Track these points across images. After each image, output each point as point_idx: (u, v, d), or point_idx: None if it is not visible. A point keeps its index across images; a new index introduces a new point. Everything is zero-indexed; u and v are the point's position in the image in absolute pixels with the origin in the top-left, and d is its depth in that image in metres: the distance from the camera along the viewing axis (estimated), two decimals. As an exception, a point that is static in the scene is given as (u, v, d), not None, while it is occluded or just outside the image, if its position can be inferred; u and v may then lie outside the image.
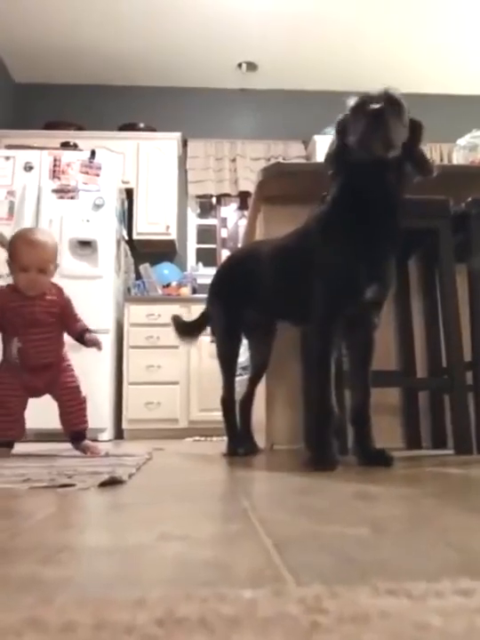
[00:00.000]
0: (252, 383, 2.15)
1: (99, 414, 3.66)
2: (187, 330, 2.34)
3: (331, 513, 0.73)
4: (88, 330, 2.13)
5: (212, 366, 4.20)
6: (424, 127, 1.55)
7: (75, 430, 2.03)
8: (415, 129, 1.50)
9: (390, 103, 1.38)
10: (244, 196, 5.12)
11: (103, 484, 1.03)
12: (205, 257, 5.19)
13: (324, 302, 1.46)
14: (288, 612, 0.34)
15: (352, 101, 1.45)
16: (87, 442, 2.03)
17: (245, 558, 0.50)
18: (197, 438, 3.67)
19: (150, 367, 4.14)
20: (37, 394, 2.05)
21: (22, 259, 1.96)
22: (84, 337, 2.10)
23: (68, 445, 2.06)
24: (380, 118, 1.33)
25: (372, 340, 1.56)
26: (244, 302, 1.92)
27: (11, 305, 1.98)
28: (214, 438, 3.53)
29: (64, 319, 2.07)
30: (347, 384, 1.63)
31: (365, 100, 1.40)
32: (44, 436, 2.95)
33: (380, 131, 1.33)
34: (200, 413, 4.15)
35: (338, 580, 0.42)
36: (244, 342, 2.24)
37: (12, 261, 1.99)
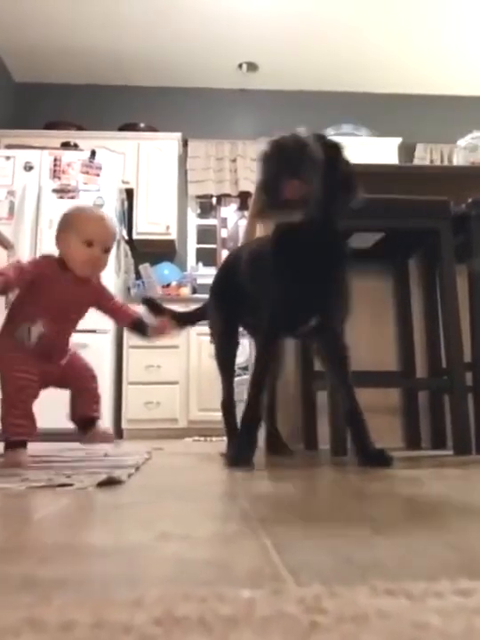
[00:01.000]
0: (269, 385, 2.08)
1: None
2: (179, 318, 2.19)
3: (330, 513, 0.73)
4: (141, 318, 1.85)
5: (212, 366, 4.19)
6: (341, 147, 1.48)
7: (91, 416, 1.76)
8: (330, 153, 1.43)
9: (295, 151, 1.35)
10: (244, 197, 5.12)
11: (101, 484, 1.03)
12: (205, 257, 5.19)
13: (265, 325, 1.50)
14: (287, 611, 0.34)
15: (266, 146, 1.40)
16: (97, 427, 1.75)
17: (244, 558, 0.50)
18: (197, 438, 3.67)
19: (150, 367, 4.14)
20: (52, 381, 1.74)
21: (88, 231, 1.66)
22: (141, 325, 1.82)
23: (66, 445, 2.00)
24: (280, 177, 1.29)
25: (339, 343, 1.57)
26: (237, 304, 1.90)
27: (51, 277, 1.65)
28: (214, 438, 3.53)
29: (104, 305, 1.82)
30: (332, 387, 1.69)
31: (277, 149, 1.38)
32: (43, 436, 2.95)
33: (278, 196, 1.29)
34: (199, 413, 4.15)
35: (337, 579, 0.42)
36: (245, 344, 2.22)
37: (70, 233, 1.66)
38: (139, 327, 1.82)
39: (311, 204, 1.29)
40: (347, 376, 1.56)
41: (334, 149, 1.43)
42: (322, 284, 1.46)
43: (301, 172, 1.30)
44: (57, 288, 1.65)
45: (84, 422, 1.75)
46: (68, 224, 1.68)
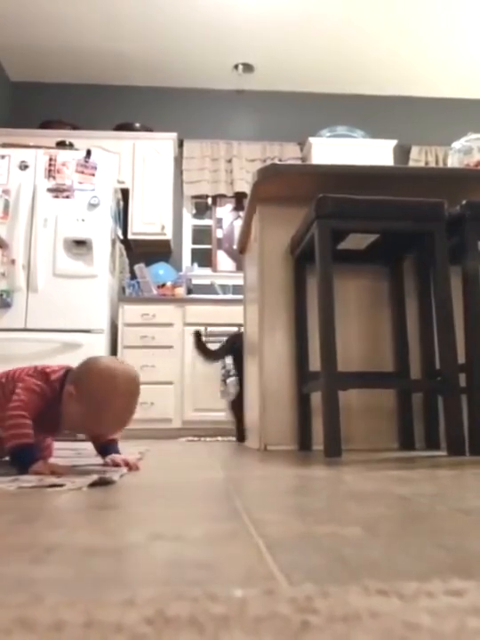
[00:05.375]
0: None
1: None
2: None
3: (323, 513, 0.73)
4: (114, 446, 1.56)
5: (207, 367, 4.20)
6: None
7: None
8: None
9: None
10: (239, 197, 5.12)
11: (93, 485, 1.03)
12: (201, 257, 5.19)
13: None
14: (279, 611, 0.34)
15: None
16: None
17: (237, 558, 0.50)
18: (191, 438, 3.67)
19: (144, 367, 4.14)
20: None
21: (101, 431, 1.42)
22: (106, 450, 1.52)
23: (58, 446, 1.88)
24: None
25: None
26: None
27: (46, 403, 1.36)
28: (208, 438, 3.53)
29: None
30: None
31: None
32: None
33: None
34: (194, 413, 4.15)
35: (329, 579, 0.42)
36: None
37: (96, 411, 1.33)
38: (105, 450, 1.52)
39: None
40: None
41: None
42: None
43: None
44: (51, 412, 1.38)
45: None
46: (90, 408, 1.33)
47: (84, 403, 1.33)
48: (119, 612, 0.34)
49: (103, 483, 1.06)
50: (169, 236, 4.78)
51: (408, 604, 0.35)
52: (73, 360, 2.30)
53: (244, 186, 4.97)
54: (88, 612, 0.34)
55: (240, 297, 3.81)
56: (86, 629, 0.31)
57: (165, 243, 4.86)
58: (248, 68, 5.08)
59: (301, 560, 0.49)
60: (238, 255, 4.15)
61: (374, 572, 0.44)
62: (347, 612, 0.34)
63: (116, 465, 1.39)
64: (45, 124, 4.84)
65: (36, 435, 1.35)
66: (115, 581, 0.43)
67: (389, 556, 0.50)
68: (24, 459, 1.25)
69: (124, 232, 4.66)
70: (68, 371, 1.41)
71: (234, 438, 3.21)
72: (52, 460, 1.42)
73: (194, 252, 5.26)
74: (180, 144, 5.15)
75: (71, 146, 4.40)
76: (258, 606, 0.35)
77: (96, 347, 3.76)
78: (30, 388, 1.33)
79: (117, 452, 1.50)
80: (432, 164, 5.18)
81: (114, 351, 4.14)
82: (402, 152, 5.21)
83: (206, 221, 5.37)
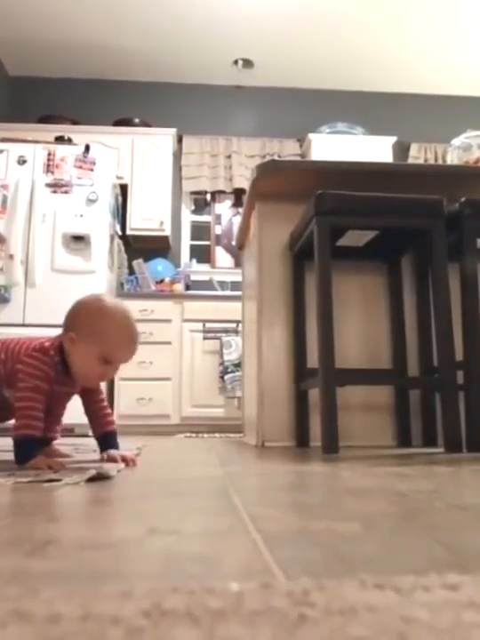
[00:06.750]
0: None
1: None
2: None
3: (320, 509, 0.73)
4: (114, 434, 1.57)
5: (205, 363, 4.21)
6: None
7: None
8: None
9: None
10: (238, 193, 5.12)
11: (91, 480, 1.03)
12: (199, 253, 5.19)
13: None
14: (275, 605, 0.34)
15: None
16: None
17: (234, 553, 0.50)
18: (189, 434, 3.68)
19: (142, 363, 4.14)
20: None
21: (116, 353, 1.38)
22: (107, 442, 1.52)
23: (55, 442, 1.86)
24: None
25: None
26: None
27: (51, 381, 1.37)
28: (206, 435, 3.53)
29: (90, 400, 1.54)
30: None
31: None
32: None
33: None
34: (192, 409, 4.16)
35: (326, 574, 0.42)
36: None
37: (92, 345, 1.34)
38: (105, 442, 1.50)
39: None
40: None
41: None
42: None
43: None
44: (52, 390, 1.39)
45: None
46: (95, 335, 1.34)
47: (89, 340, 1.34)
48: (116, 605, 0.34)
49: (100, 478, 1.06)
50: (167, 231, 4.77)
51: (404, 598, 0.35)
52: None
53: (243, 182, 4.96)
54: (84, 604, 0.34)
55: (238, 293, 3.81)
56: (83, 622, 0.31)
57: (164, 239, 4.85)
58: (248, 63, 5.07)
59: (298, 555, 0.49)
60: (237, 251, 4.15)
61: (371, 567, 0.44)
62: (343, 606, 0.34)
63: (113, 460, 1.39)
64: (44, 119, 4.82)
65: (54, 405, 1.44)
66: (111, 575, 0.43)
67: (386, 550, 0.50)
68: (25, 451, 1.27)
69: (123, 228, 4.66)
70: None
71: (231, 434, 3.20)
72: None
73: (192, 248, 5.25)
74: (179, 140, 5.14)
75: (70, 141, 4.39)
76: (254, 600, 0.35)
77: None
78: (32, 373, 1.33)
79: (116, 447, 1.50)
80: (431, 161, 5.17)
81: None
82: (401, 149, 5.21)
83: (205, 217, 5.36)
